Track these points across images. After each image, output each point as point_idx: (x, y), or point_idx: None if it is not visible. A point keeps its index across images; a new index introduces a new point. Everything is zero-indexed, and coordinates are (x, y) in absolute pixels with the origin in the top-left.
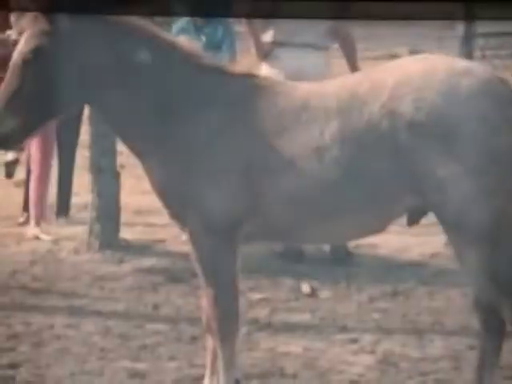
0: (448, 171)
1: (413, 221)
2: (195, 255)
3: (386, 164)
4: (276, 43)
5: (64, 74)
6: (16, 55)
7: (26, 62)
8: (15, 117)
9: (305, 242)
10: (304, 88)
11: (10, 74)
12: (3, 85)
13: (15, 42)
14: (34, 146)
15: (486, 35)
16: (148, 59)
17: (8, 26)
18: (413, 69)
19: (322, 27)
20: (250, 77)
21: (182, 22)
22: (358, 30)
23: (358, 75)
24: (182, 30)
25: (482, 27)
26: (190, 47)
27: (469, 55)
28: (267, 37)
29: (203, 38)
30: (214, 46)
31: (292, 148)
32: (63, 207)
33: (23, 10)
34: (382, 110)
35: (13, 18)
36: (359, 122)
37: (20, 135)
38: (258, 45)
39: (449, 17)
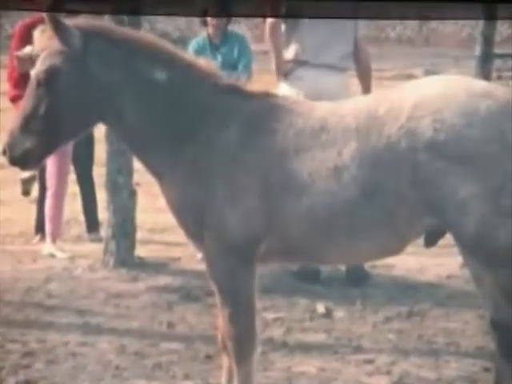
0: (467, 192)
1: (431, 242)
2: (212, 274)
3: (405, 185)
4: (297, 62)
5: (79, 93)
6: (32, 75)
7: (39, 82)
8: (31, 137)
9: (322, 262)
10: (322, 108)
11: (27, 94)
12: (21, 104)
13: (36, 58)
14: (49, 163)
15: (503, 56)
16: (165, 78)
17: (31, 42)
18: (432, 89)
19: (341, 48)
20: (268, 96)
21: (198, 40)
22: (373, 49)
23: (376, 95)
24: (198, 49)
25: (499, 48)
26: (207, 66)
27: (486, 76)
28: (288, 55)
29: (219, 57)
30: (230, 65)
31: (310, 168)
32: (93, 224)
33: (22, 9)
34: (401, 130)
35: (36, 33)
36: (378, 142)
37: (36, 156)
38: (279, 63)
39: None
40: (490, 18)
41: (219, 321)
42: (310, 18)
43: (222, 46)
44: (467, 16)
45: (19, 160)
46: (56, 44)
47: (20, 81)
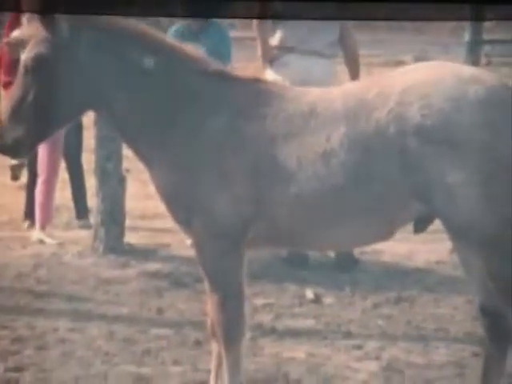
0: (455, 178)
1: (420, 228)
2: (201, 260)
3: (393, 170)
4: (283, 49)
5: (66, 82)
6: (21, 64)
7: (27, 70)
8: (21, 126)
9: (310, 247)
10: (311, 93)
11: (16, 82)
12: (11, 93)
13: (26, 43)
14: (41, 150)
15: (492, 42)
16: (153, 65)
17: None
18: (420, 75)
19: (328, 34)
20: (256, 82)
21: (177, 27)
22: (363, 36)
23: (365, 81)
24: (177, 36)
25: (488, 34)
26: (195, 53)
27: (475, 62)
28: (274, 41)
29: (198, 46)
30: (209, 53)
31: (298, 153)
32: (82, 210)
33: (21, 10)
34: (390, 115)
35: (25, 20)
36: (366, 127)
37: (27, 144)
38: (265, 49)
39: (457, 18)
40: (478, 19)
41: (208, 307)
42: (299, 18)
43: (202, 34)
44: (455, 17)
45: (10, 148)
46: (43, 32)
47: (11, 67)
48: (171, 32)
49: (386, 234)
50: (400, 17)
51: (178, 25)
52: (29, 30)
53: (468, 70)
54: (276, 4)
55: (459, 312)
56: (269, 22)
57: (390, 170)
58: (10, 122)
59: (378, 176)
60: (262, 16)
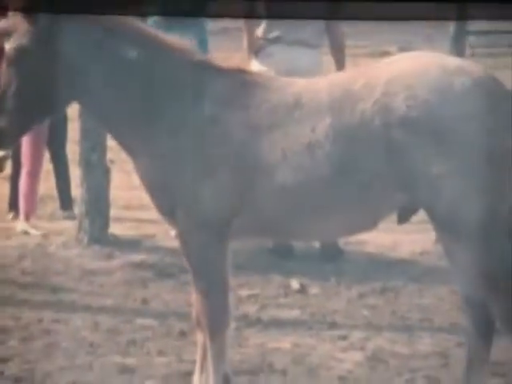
0: (440, 169)
1: (403, 218)
2: (185, 251)
3: (378, 161)
4: (268, 39)
5: (49, 73)
6: (4, 55)
7: (10, 62)
8: (5, 117)
9: (295, 238)
10: (296, 84)
11: (0, 73)
12: None
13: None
14: (25, 141)
15: (476, 33)
16: (136, 55)
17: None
18: (405, 66)
19: (314, 25)
20: (241, 72)
21: (154, 18)
22: (348, 27)
23: (350, 72)
24: (155, 27)
25: (473, 25)
26: (179, 43)
27: (459, 53)
28: (259, 31)
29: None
30: None
31: (284, 144)
32: (66, 201)
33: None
34: (375, 106)
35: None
36: (351, 118)
37: (11, 135)
38: (251, 40)
39: (441, 17)
40: (462, 18)
41: (193, 297)
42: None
43: (178, 24)
44: (439, 17)
45: None
46: (25, 23)
47: None
48: (149, 23)
49: (371, 225)
50: (387, 17)
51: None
52: (13, 22)
53: (453, 61)
54: (264, 3)
55: (444, 302)
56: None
57: (375, 161)
58: None
59: (363, 167)
60: (249, 15)
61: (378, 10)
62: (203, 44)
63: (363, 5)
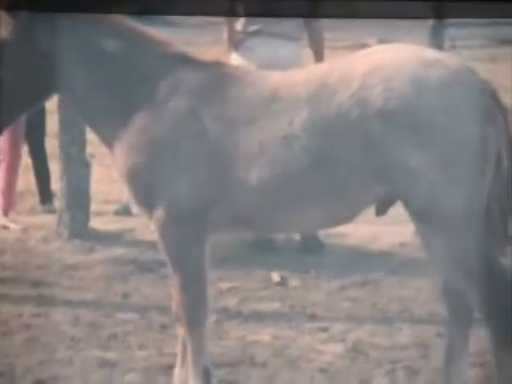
0: (416, 160)
1: (381, 210)
2: (162, 243)
3: (355, 153)
4: (248, 33)
5: (29, 65)
6: None
7: None
8: None
9: (273, 230)
10: (273, 77)
11: None
12: None
13: None
14: (2, 136)
15: (455, 25)
16: (114, 47)
17: None
18: (383, 58)
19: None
20: (218, 65)
21: None
22: (327, 20)
23: (327, 64)
24: None
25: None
26: (157, 36)
27: (438, 45)
28: (239, 25)
29: None
30: None
31: (260, 137)
32: (46, 195)
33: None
34: (352, 99)
35: None
36: (328, 111)
37: None
38: (231, 33)
39: (419, 16)
40: (439, 17)
41: (172, 290)
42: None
43: None
44: (418, 15)
45: None
46: (4, 15)
47: None
48: None
49: (349, 217)
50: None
51: None
52: None
53: (431, 53)
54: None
55: (423, 293)
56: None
57: (353, 154)
58: None
59: (340, 159)
60: (233, 14)
61: (357, 8)
62: None
63: (342, 3)
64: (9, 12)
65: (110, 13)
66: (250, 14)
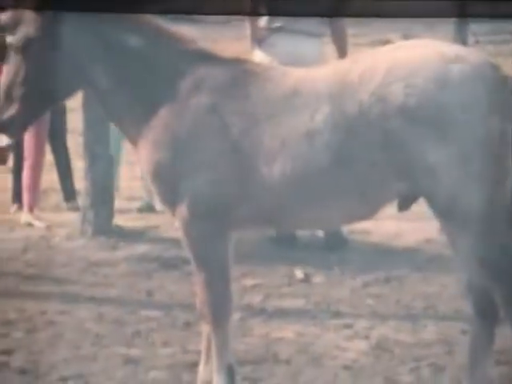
0: (438, 157)
1: (403, 206)
2: (185, 240)
3: (377, 149)
4: (271, 29)
5: (53, 61)
6: (11, 43)
7: (17, 50)
8: (15, 104)
9: (295, 227)
10: (295, 74)
11: (8, 62)
12: (4, 74)
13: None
14: (26, 134)
15: (479, 20)
16: (138, 44)
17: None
18: (405, 54)
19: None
20: (240, 62)
21: None
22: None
23: (349, 61)
24: None
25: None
26: (180, 32)
27: (462, 41)
28: (261, 22)
29: None
30: None
31: (282, 133)
32: (69, 193)
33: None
34: (373, 95)
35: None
36: (350, 107)
37: (21, 122)
38: (254, 30)
39: (441, 14)
40: (462, 16)
41: (196, 288)
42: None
43: None
44: (440, 14)
45: (4, 126)
46: (30, 13)
47: None
48: None
49: (370, 213)
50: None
51: None
52: (16, 13)
53: (453, 49)
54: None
55: (448, 290)
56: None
57: (374, 150)
58: (4, 101)
59: (362, 155)
60: (254, 13)
61: (379, 7)
62: None
63: (365, 2)
64: (34, 12)
65: (134, 12)
66: (272, 13)
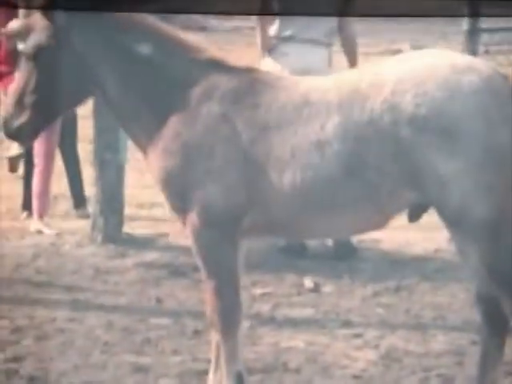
0: (448, 167)
1: (414, 216)
2: (195, 248)
3: (387, 159)
4: (281, 38)
5: (66, 69)
6: (22, 51)
7: (28, 58)
8: (25, 112)
9: (305, 236)
10: (305, 82)
11: (19, 69)
12: (16, 79)
13: (20, 34)
14: (37, 141)
15: (490, 30)
16: (148, 52)
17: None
18: (415, 64)
19: (326, 23)
20: (250, 71)
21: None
22: (360, 26)
23: (359, 70)
24: None
25: (486, 23)
26: (191, 40)
27: (473, 51)
28: (272, 30)
29: None
30: None
31: (293, 142)
32: (79, 200)
33: (27, 7)
34: (384, 105)
35: (21, 11)
36: (360, 116)
37: (31, 130)
38: (265, 39)
39: (453, 14)
40: (474, 15)
41: (206, 296)
42: (302, 14)
43: None
44: (452, 14)
45: (15, 134)
46: (42, 21)
47: (5, 58)
48: None
49: (380, 223)
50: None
51: None
52: (27, 21)
53: (463, 59)
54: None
55: (457, 300)
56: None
57: (384, 160)
58: (16, 108)
59: (372, 165)
60: (263, 12)
61: (390, 7)
62: None
63: (375, 1)
64: (41, 11)
65: (135, 11)
66: (282, 14)
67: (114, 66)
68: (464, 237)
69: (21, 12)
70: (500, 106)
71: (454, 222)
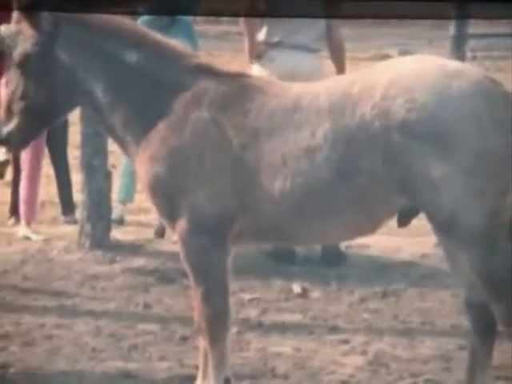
0: (439, 172)
1: (404, 221)
2: (183, 254)
3: (377, 164)
4: (269, 44)
5: (50, 77)
6: (12, 60)
7: (16, 67)
8: (14, 119)
9: (295, 242)
10: (296, 88)
11: (9, 77)
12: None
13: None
14: None
15: (477, 36)
16: (136, 59)
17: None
18: (405, 69)
19: (314, 29)
20: (240, 76)
21: (147, 17)
22: (348, 31)
23: (349, 76)
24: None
25: (474, 28)
26: (178, 46)
27: (460, 56)
28: (260, 36)
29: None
30: None
31: (283, 148)
32: (68, 206)
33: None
34: (374, 110)
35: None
36: (351, 122)
37: (21, 137)
38: (252, 45)
39: (441, 16)
40: (462, 17)
41: (194, 302)
42: (285, 16)
43: (171, 27)
44: (439, 16)
45: (5, 140)
46: (29, 28)
47: None
48: (140, 22)
49: (370, 228)
50: (386, 14)
51: (147, 16)
52: (17, 27)
53: (452, 64)
54: (262, 2)
55: (445, 305)
56: (256, 17)
57: (374, 165)
58: (6, 114)
59: (362, 171)
60: (249, 14)
61: (377, 9)
62: (194, 48)
63: (363, 4)
64: (25, 16)
65: (118, 13)
66: (269, 15)
67: (102, 74)
68: (454, 242)
69: (13, 17)
70: (490, 110)
71: (444, 226)
